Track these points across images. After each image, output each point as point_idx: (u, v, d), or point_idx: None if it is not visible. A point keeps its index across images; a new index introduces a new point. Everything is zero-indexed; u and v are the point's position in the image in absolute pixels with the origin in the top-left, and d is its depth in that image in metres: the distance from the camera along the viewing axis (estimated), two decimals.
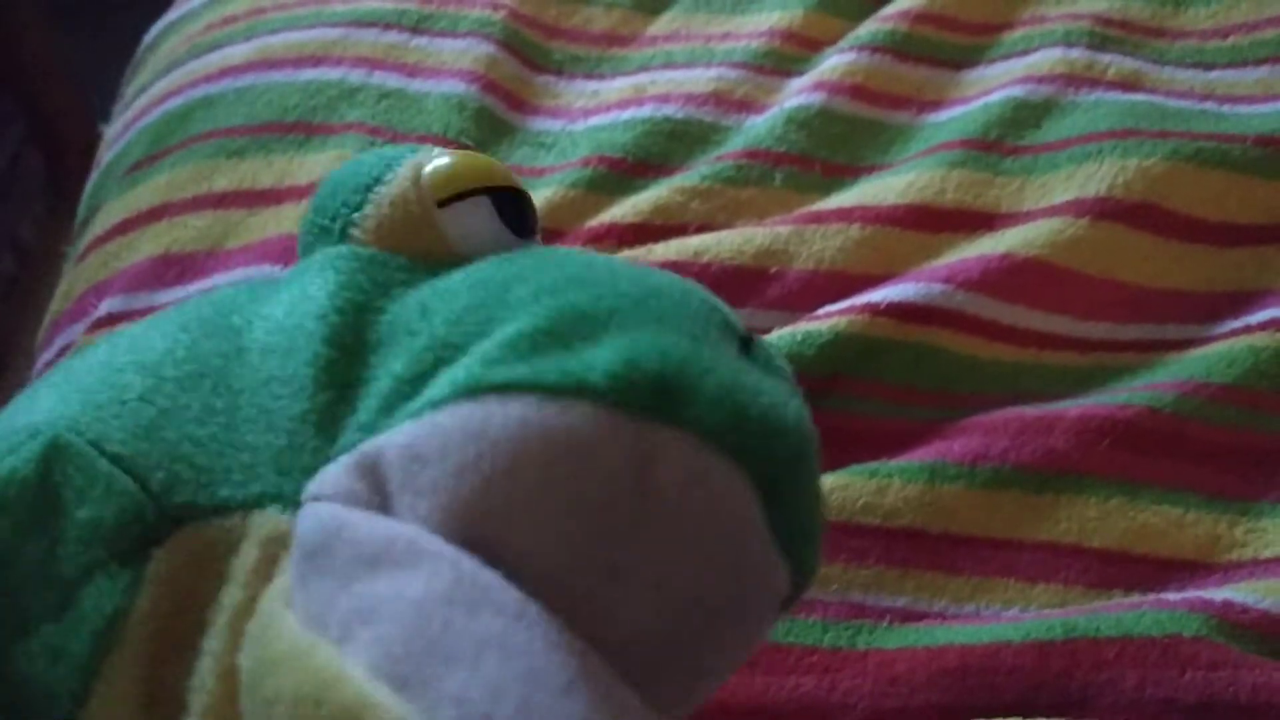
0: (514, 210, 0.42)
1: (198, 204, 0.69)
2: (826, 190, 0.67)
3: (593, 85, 0.75)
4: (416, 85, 0.73)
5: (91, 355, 0.39)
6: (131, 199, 0.71)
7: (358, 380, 0.36)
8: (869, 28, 0.74)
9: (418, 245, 0.41)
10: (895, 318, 0.59)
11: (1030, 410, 0.56)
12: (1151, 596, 0.52)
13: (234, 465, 0.35)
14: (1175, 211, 0.63)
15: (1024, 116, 0.68)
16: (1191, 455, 0.55)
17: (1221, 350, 0.59)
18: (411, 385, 0.35)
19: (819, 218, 0.64)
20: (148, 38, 0.87)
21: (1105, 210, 0.62)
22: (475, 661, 0.28)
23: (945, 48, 0.74)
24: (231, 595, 0.33)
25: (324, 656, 0.29)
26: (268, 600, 0.32)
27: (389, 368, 0.36)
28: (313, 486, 0.34)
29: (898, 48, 0.73)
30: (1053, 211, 0.63)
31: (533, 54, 0.76)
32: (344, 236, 0.42)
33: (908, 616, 0.51)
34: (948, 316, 0.59)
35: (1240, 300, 0.61)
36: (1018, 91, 0.69)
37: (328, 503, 0.33)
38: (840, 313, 0.59)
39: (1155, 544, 0.53)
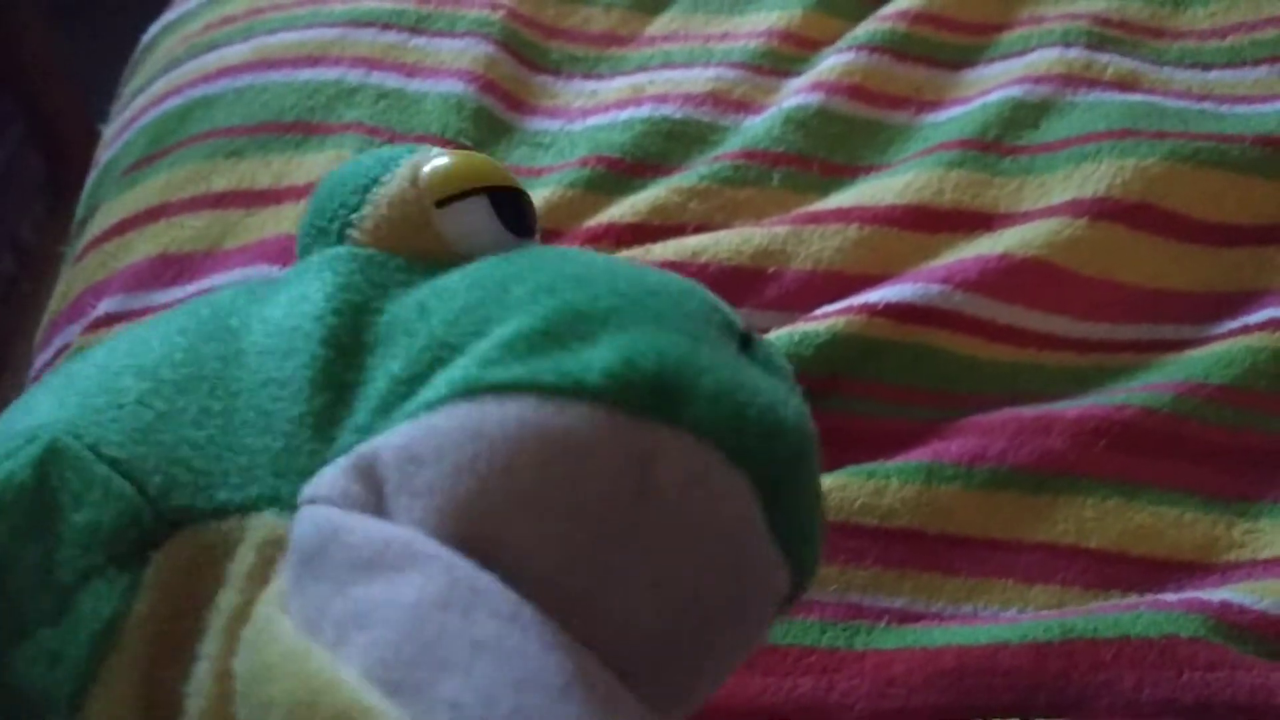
0: (512, 210, 0.42)
1: (196, 204, 0.69)
2: (824, 190, 0.67)
3: (591, 85, 0.75)
4: (415, 85, 0.73)
5: (89, 359, 0.39)
6: (129, 199, 0.71)
7: (355, 381, 0.36)
8: (867, 28, 0.74)
9: (416, 245, 0.41)
10: (893, 318, 0.59)
11: (1028, 411, 0.56)
12: (1149, 597, 0.51)
13: (231, 468, 0.35)
14: (1173, 212, 0.63)
15: (1022, 117, 0.68)
16: (1189, 456, 0.55)
17: (1219, 351, 0.59)
18: (409, 386, 0.35)
19: (817, 218, 0.64)
20: (146, 38, 0.86)
21: (1103, 210, 0.62)
22: (469, 666, 0.28)
23: (943, 48, 0.74)
24: (227, 599, 0.33)
25: (318, 661, 0.29)
26: (263, 604, 0.32)
27: (387, 368, 0.36)
28: (309, 489, 0.34)
29: (896, 48, 0.72)
30: (1051, 212, 0.63)
31: (531, 54, 0.76)
32: (342, 237, 0.42)
33: (905, 617, 0.51)
34: (946, 317, 0.59)
35: (1238, 300, 0.61)
36: (1016, 92, 0.69)
37: (324, 505, 0.33)
38: (838, 313, 0.59)
39: (1153, 545, 0.53)
